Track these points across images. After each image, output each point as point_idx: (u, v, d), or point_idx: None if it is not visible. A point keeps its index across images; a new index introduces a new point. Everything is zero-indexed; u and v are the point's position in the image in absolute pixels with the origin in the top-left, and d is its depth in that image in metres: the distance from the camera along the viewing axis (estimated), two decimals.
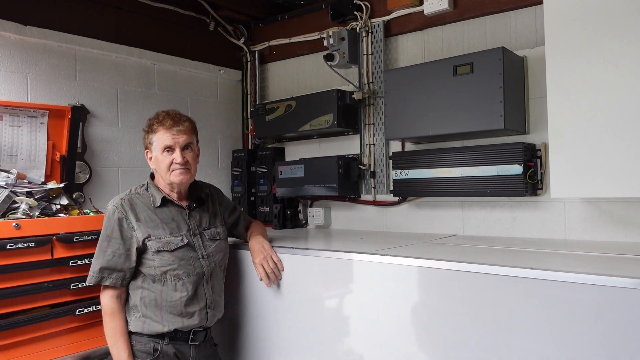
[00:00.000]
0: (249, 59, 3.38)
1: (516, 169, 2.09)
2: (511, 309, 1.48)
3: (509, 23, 2.32)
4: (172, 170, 1.88)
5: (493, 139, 2.29)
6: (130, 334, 1.85)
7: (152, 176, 1.99)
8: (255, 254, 2.06)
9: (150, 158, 1.94)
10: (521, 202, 2.25)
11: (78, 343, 1.99)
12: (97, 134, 2.70)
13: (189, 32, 3.14)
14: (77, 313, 1.97)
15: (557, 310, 1.39)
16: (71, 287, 1.97)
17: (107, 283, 1.80)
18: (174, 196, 1.94)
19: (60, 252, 1.94)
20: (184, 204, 1.96)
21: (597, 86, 1.73)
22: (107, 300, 1.82)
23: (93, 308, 2.00)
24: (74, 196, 2.42)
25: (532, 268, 1.44)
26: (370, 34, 2.76)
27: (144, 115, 2.86)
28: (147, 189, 1.94)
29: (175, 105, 2.98)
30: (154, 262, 1.84)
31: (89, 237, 2.00)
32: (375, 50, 2.75)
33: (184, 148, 1.88)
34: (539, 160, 2.15)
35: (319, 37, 2.97)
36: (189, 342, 1.89)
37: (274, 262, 2.03)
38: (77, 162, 2.52)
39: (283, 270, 2.03)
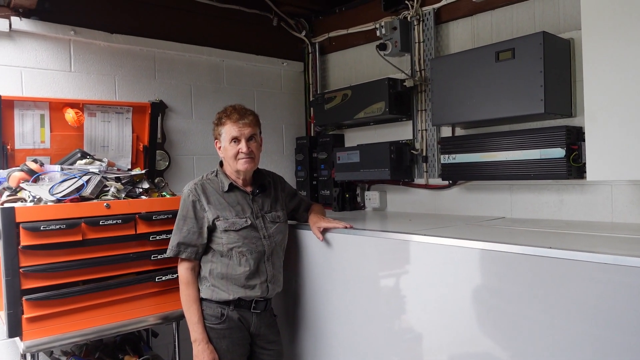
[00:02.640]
0: (310, 51, 3.58)
1: (559, 152, 2.10)
2: (562, 291, 1.52)
3: (557, 5, 2.31)
4: (239, 159, 2.12)
5: (539, 123, 2.30)
6: (201, 300, 2.13)
7: (221, 164, 2.25)
8: (313, 222, 2.32)
9: (219, 148, 2.19)
10: (567, 184, 2.25)
11: (158, 305, 2.32)
12: (174, 125, 3.04)
13: (253, 28, 3.39)
14: (156, 280, 2.29)
15: (608, 293, 1.42)
16: (152, 258, 2.30)
17: (183, 256, 2.10)
18: (239, 182, 2.19)
19: (142, 228, 2.27)
20: (248, 189, 2.21)
21: (634, 68, 1.72)
22: (183, 271, 2.12)
23: (170, 276, 2.32)
24: (156, 181, 2.76)
25: (550, 247, 1.51)
26: (421, 22, 2.84)
27: (214, 108, 3.17)
28: (216, 175, 2.21)
29: (242, 98, 3.28)
30: (222, 239, 2.10)
31: (166, 216, 2.32)
32: (427, 37, 2.83)
33: (248, 139, 2.12)
34: (584, 144, 2.14)
35: (373, 27, 3.09)
36: (251, 310, 2.15)
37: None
38: (157, 151, 2.89)
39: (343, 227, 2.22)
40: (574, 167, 2.13)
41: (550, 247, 1.52)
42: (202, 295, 2.13)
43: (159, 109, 2.84)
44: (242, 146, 2.11)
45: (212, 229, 2.12)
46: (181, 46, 3.04)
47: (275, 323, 2.32)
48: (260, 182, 2.26)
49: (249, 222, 2.14)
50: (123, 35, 2.82)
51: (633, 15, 1.71)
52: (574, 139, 2.14)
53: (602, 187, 2.15)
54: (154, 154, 2.82)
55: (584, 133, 2.14)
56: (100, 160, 2.48)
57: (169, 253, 2.12)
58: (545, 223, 2.19)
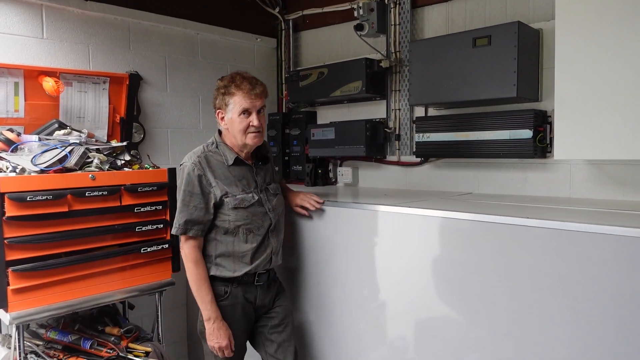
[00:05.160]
0: (283, 27, 3.61)
1: (527, 133, 2.30)
2: (517, 257, 1.74)
3: None
4: (248, 133, 2.00)
5: (508, 106, 2.49)
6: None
7: (219, 133, 2.12)
8: (293, 196, 2.36)
9: (222, 118, 2.04)
10: (532, 163, 2.47)
11: (143, 276, 2.34)
12: (148, 98, 3.01)
13: (228, 2, 3.38)
14: (142, 251, 2.31)
15: (560, 258, 1.63)
16: (136, 230, 2.31)
17: (190, 234, 1.99)
18: (242, 155, 2.09)
19: (127, 200, 2.27)
20: (250, 162, 2.13)
21: (600, 57, 1.91)
22: (190, 249, 2.01)
23: (155, 247, 2.34)
24: (132, 153, 2.76)
25: (527, 217, 1.69)
26: (397, 5, 2.94)
27: (189, 81, 3.18)
28: (217, 147, 2.08)
29: (216, 72, 3.28)
30: (229, 216, 2.02)
31: (150, 188, 2.33)
32: (403, 21, 2.94)
33: (258, 111, 2.02)
34: (549, 126, 2.34)
35: (349, 7, 3.16)
36: (255, 284, 2.10)
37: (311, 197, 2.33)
38: (133, 123, 2.86)
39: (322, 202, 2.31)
40: (539, 147, 2.33)
41: (528, 217, 1.70)
42: None
43: (136, 80, 2.80)
44: (253, 119, 1.99)
45: (217, 206, 2.02)
46: (156, 17, 2.99)
47: (282, 290, 2.29)
48: (262, 153, 2.19)
49: (256, 198, 2.07)
50: (97, 3, 2.73)
51: (602, 7, 1.89)
52: (540, 121, 2.33)
53: (562, 166, 2.38)
54: (130, 126, 2.79)
55: (549, 116, 2.36)
56: (79, 131, 2.43)
57: (175, 231, 2.01)
58: (511, 198, 2.39)
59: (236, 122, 2.00)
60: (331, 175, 3.42)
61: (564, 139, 2.02)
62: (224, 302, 2.05)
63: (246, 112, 1.99)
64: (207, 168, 2.02)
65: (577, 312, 1.60)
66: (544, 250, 1.68)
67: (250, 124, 2.00)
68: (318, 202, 2.32)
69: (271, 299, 2.20)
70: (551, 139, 2.35)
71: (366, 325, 2.25)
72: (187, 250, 2.03)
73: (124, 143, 2.50)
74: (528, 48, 2.32)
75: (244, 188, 2.06)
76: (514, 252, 1.76)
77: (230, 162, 2.06)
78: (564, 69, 2.00)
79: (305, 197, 2.35)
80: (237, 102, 1.98)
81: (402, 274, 2.09)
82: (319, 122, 3.46)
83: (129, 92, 2.74)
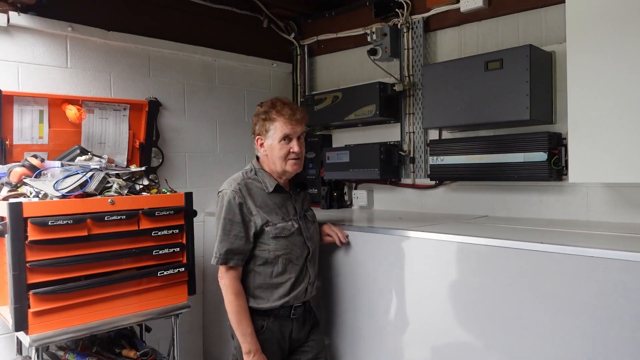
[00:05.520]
0: (299, 53, 3.68)
1: (541, 156, 2.29)
2: (533, 282, 1.71)
3: (540, 19, 2.49)
4: (289, 160, 1.95)
5: (522, 129, 2.48)
6: (233, 333, 1.99)
7: (257, 160, 2.08)
8: (326, 228, 2.27)
9: (262, 144, 2.00)
10: (547, 186, 2.45)
11: (160, 299, 2.37)
12: (167, 123, 3.08)
13: (245, 29, 3.47)
14: (158, 274, 2.34)
15: (578, 283, 1.60)
16: (153, 253, 2.35)
17: (231, 264, 1.92)
18: (281, 182, 2.04)
19: (145, 224, 2.31)
20: (288, 189, 2.08)
21: (614, 80, 1.91)
22: (231, 281, 1.94)
23: (172, 271, 2.37)
24: (150, 177, 2.82)
25: (542, 242, 1.67)
26: (410, 30, 2.98)
27: (206, 106, 3.26)
28: (255, 174, 2.03)
29: (233, 97, 3.36)
30: (269, 246, 1.96)
31: (168, 212, 2.37)
32: (416, 45, 2.97)
33: (298, 137, 1.98)
34: (564, 148, 2.33)
35: (363, 32, 3.21)
36: (290, 317, 2.04)
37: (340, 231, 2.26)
38: (152, 148, 2.93)
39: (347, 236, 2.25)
40: (554, 170, 2.31)
41: (542, 242, 1.68)
42: None
43: (155, 106, 2.88)
44: (294, 146, 1.95)
45: (257, 235, 1.96)
46: (175, 45, 3.08)
47: (317, 326, 2.21)
48: (299, 180, 2.14)
49: (296, 226, 2.02)
50: (119, 33, 2.84)
51: (613, 31, 1.90)
52: (555, 144, 2.32)
53: (578, 189, 2.35)
54: (149, 151, 2.86)
55: (563, 139, 2.35)
56: (99, 156, 2.50)
57: (216, 261, 1.94)
58: (526, 221, 2.36)
59: (276, 148, 1.96)
60: (346, 198, 3.43)
61: (579, 161, 2.01)
62: (260, 337, 1.98)
63: (287, 138, 1.95)
64: (248, 196, 1.96)
65: (597, 338, 1.57)
66: (560, 275, 1.65)
67: (291, 150, 1.96)
68: (345, 238, 2.25)
69: (306, 333, 2.14)
70: (566, 162, 2.33)
71: (389, 350, 2.21)
72: (228, 281, 1.95)
73: (143, 168, 2.55)
74: (541, 71, 2.32)
75: (283, 216, 2.01)
76: (529, 277, 1.73)
77: (271, 189, 2.00)
78: (576, 91, 2.00)
79: (334, 228, 2.26)
80: (277, 128, 1.94)
81: (421, 299, 2.07)
82: (334, 145, 3.49)
83: (148, 118, 2.82)
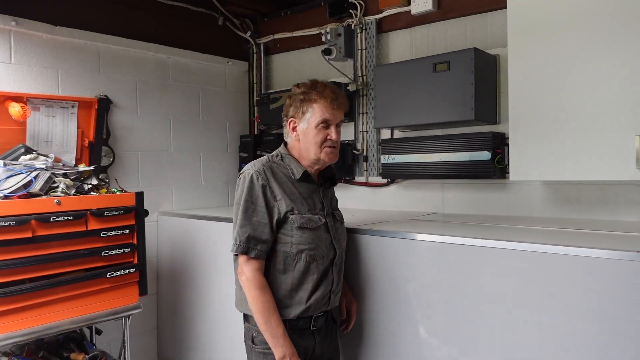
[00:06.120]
0: (254, 51, 3.67)
1: (485, 155, 2.38)
2: (475, 276, 1.79)
3: (486, 23, 2.59)
4: (324, 147, 1.77)
5: (468, 128, 2.58)
6: (245, 317, 1.80)
7: (285, 144, 1.88)
8: (353, 304, 2.05)
9: (294, 128, 1.81)
10: (491, 184, 2.55)
11: (109, 301, 2.33)
12: (118, 121, 3.02)
13: (199, 27, 3.43)
14: (108, 276, 2.30)
15: (519, 277, 1.67)
16: (102, 254, 2.30)
17: (252, 254, 1.69)
18: (311, 172, 1.83)
19: (93, 225, 2.27)
20: (317, 181, 1.88)
21: (551, 83, 2.01)
22: (254, 273, 1.70)
23: (122, 272, 2.34)
24: (100, 177, 2.76)
25: (482, 238, 1.75)
26: (364, 31, 3.04)
27: (160, 104, 3.21)
28: (282, 159, 1.83)
29: (188, 95, 3.32)
30: (291, 238, 1.73)
31: (117, 212, 2.34)
32: (369, 45, 3.03)
33: (337, 125, 1.79)
34: (507, 148, 2.43)
35: (318, 32, 3.24)
36: (310, 328, 1.80)
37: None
38: (102, 147, 2.86)
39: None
40: (497, 169, 2.41)
41: (482, 238, 1.75)
42: (248, 312, 1.75)
43: (106, 104, 2.82)
44: (332, 133, 1.76)
45: (280, 223, 1.74)
46: (127, 41, 3.02)
47: (335, 333, 2.00)
48: (329, 174, 1.94)
49: (323, 221, 1.80)
50: (67, 28, 2.76)
51: (550, 36, 2.00)
52: (499, 143, 2.42)
53: (520, 186, 2.46)
54: (99, 149, 2.80)
55: (506, 138, 2.45)
56: (45, 155, 2.44)
57: (235, 249, 1.72)
58: (473, 218, 2.46)
59: (312, 133, 1.76)
60: None
61: (519, 161, 2.11)
62: None
63: (325, 123, 1.75)
64: (272, 178, 1.75)
65: (543, 328, 1.65)
66: (501, 269, 1.72)
67: (328, 137, 1.76)
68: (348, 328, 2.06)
69: (329, 347, 1.92)
70: (509, 161, 2.43)
71: None
72: (250, 273, 1.70)
73: (92, 167, 2.50)
74: (485, 73, 2.42)
75: (310, 208, 1.78)
76: (472, 272, 1.80)
77: (298, 176, 1.79)
78: (517, 93, 2.10)
79: (354, 312, 2.06)
80: (316, 111, 1.74)
81: (364, 295, 2.12)
82: None
83: (98, 115, 2.76)
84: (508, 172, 2.43)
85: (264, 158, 1.84)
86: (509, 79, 2.13)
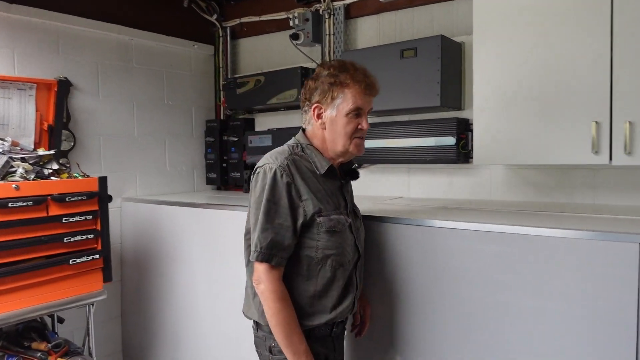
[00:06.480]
0: (221, 35, 3.61)
1: (450, 140, 2.43)
2: (442, 258, 1.84)
3: (452, 12, 2.63)
4: (354, 138, 1.58)
5: (434, 114, 2.62)
6: (257, 325, 1.61)
7: (302, 133, 1.67)
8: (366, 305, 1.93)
9: (319, 115, 1.59)
10: (456, 168, 2.62)
11: (72, 288, 2.28)
12: (79, 105, 2.92)
13: (164, 9, 3.34)
14: (70, 262, 2.25)
15: (477, 256, 1.74)
16: (64, 241, 2.24)
17: (274, 262, 1.48)
18: (335, 165, 1.63)
19: (54, 210, 2.21)
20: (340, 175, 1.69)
21: (513, 70, 2.07)
22: (275, 283, 1.49)
23: (85, 258, 2.28)
24: (61, 161, 2.67)
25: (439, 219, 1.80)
26: (332, 16, 3.03)
27: (123, 87, 3.13)
28: (302, 151, 1.61)
29: (151, 78, 3.25)
30: (317, 242, 1.54)
31: (79, 198, 2.27)
32: (337, 31, 3.03)
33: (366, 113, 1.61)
34: (471, 133, 2.49)
35: (285, 16, 3.22)
36: (331, 335, 1.66)
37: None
38: (62, 130, 2.77)
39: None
40: (461, 153, 2.47)
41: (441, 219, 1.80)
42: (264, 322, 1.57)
43: (66, 86, 2.72)
44: (364, 122, 1.58)
45: (305, 226, 1.53)
46: (87, 21, 2.92)
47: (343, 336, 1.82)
48: (348, 168, 1.74)
49: (349, 221, 1.62)
50: (23, 7, 2.64)
51: (516, 24, 2.05)
52: (463, 129, 2.48)
53: (483, 171, 2.54)
54: (59, 133, 2.71)
55: (470, 124, 2.51)
56: (1, 139, 2.34)
57: (257, 257, 1.49)
58: (437, 201, 2.52)
59: (341, 122, 1.56)
60: None
61: (482, 146, 2.16)
62: None
63: (357, 111, 1.57)
64: (297, 174, 1.53)
65: (498, 308, 1.72)
66: (462, 250, 1.78)
67: (360, 127, 1.58)
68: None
69: (340, 353, 1.77)
70: (473, 146, 2.50)
71: None
72: (272, 285, 1.49)
73: (52, 151, 2.42)
74: (451, 60, 2.46)
75: (335, 207, 1.59)
76: (438, 254, 1.84)
77: (322, 170, 1.57)
78: (481, 80, 2.15)
79: (367, 316, 1.93)
80: (348, 97, 1.55)
81: None
82: (257, 129, 3.49)
83: (58, 98, 2.67)
84: (472, 157, 2.51)
85: (285, 149, 1.60)
86: (474, 66, 2.18)
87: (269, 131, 3.17)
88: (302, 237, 1.54)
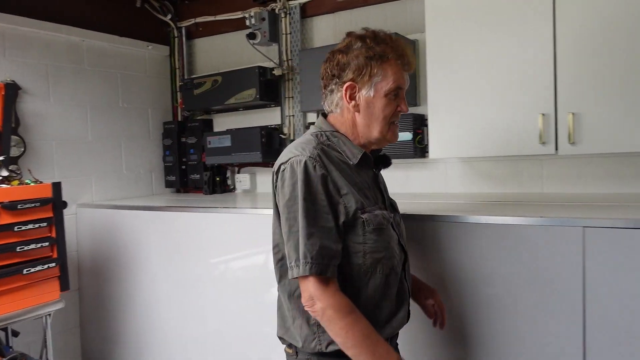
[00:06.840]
0: (176, 35, 3.56)
1: (407, 135, 2.49)
2: None
3: (405, 10, 2.70)
4: (392, 123, 1.36)
5: None
6: (319, 354, 1.30)
7: (324, 118, 1.42)
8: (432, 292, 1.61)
9: (351, 96, 1.33)
10: (412, 163, 2.68)
11: (27, 299, 2.20)
12: (29, 109, 2.82)
13: (116, 8, 3.27)
14: (24, 272, 2.17)
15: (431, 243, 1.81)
16: (17, 250, 2.17)
17: (330, 274, 1.22)
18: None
19: (5, 219, 2.12)
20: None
21: (464, 66, 2.14)
22: (337, 297, 1.22)
23: (40, 267, 2.21)
24: (10, 168, 2.57)
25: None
26: (288, 15, 3.04)
27: (75, 90, 3.05)
28: (328, 139, 1.35)
29: (105, 80, 3.18)
30: (363, 245, 1.28)
31: (32, 205, 2.20)
32: (293, 30, 3.04)
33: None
34: (426, 128, 2.56)
35: (242, 16, 3.20)
36: None
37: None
38: (11, 136, 2.67)
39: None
40: (418, 148, 2.54)
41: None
42: (317, 345, 1.30)
43: (13, 90, 2.62)
44: (403, 104, 1.35)
45: (347, 226, 1.28)
46: (35, 22, 2.82)
47: None
48: (377, 152, 1.48)
49: (392, 215, 1.39)
50: None
51: (464, 21, 2.13)
52: (419, 124, 2.55)
53: (438, 164, 2.61)
54: (8, 139, 2.60)
55: (426, 119, 2.57)
56: None
57: (304, 270, 1.21)
58: (394, 195, 2.56)
59: (380, 104, 1.32)
60: (229, 182, 3.43)
61: (438, 140, 2.23)
62: None
63: (397, 91, 1.33)
64: (332, 165, 1.28)
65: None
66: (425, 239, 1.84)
67: (400, 109, 1.36)
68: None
69: None
70: (429, 140, 2.57)
71: None
72: (333, 299, 1.21)
73: (1, 158, 2.33)
74: None
75: (375, 201, 1.35)
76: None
77: (355, 160, 1.33)
78: (434, 76, 2.21)
79: (438, 304, 1.60)
80: (389, 74, 1.30)
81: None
82: (216, 129, 3.46)
83: (5, 102, 2.57)
84: (428, 151, 2.58)
85: (310, 138, 1.34)
86: (427, 63, 2.24)
87: (228, 132, 3.16)
88: (344, 242, 1.28)
